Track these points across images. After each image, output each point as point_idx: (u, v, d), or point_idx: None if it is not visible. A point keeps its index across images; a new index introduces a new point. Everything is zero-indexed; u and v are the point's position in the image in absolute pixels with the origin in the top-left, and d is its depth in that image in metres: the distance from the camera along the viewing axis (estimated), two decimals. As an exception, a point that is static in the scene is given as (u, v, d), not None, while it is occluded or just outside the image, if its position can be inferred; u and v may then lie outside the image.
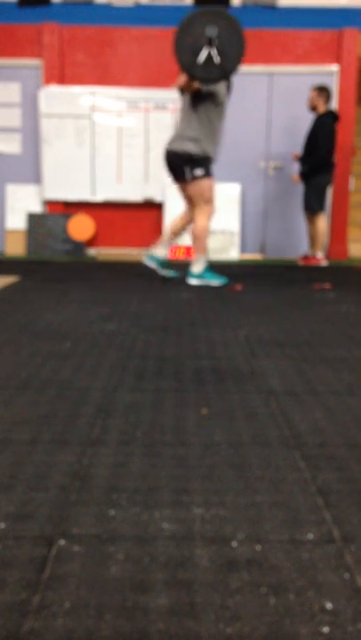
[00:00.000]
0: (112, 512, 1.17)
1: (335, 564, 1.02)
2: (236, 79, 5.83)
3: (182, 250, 6.24)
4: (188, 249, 6.16)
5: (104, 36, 6.25)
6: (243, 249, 6.58)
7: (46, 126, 6.24)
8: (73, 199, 6.42)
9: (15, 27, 6.23)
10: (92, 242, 6.55)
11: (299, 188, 6.22)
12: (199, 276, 4.31)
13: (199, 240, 4.27)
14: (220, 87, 4.04)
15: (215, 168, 6.50)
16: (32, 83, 6.36)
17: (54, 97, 6.19)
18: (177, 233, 4.45)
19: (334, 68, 6.25)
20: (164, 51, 6.19)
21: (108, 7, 6.19)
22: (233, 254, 6.35)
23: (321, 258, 5.85)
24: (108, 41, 6.26)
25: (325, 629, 0.86)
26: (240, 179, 6.45)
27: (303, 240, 6.46)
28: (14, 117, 6.44)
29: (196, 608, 0.90)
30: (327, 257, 6.47)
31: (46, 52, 6.19)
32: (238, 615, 0.89)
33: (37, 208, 6.49)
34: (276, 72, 6.31)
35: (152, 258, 4.43)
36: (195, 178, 4.12)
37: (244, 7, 6.17)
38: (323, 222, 5.73)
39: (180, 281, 4.41)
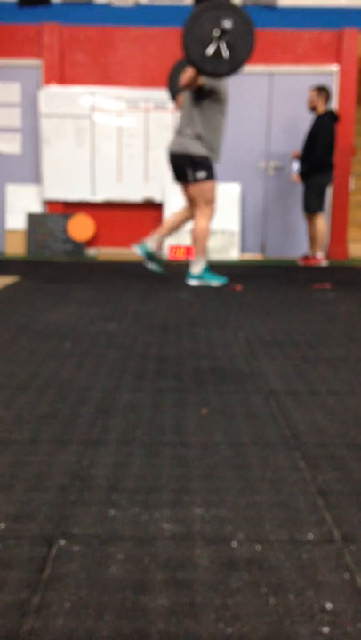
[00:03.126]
0: (112, 512, 1.17)
1: (335, 564, 1.02)
2: (236, 79, 5.83)
3: (182, 250, 6.24)
4: (188, 249, 6.17)
5: (104, 36, 6.24)
6: (243, 249, 6.57)
7: (46, 126, 6.24)
8: (73, 199, 6.41)
9: (15, 27, 6.23)
10: (92, 242, 6.55)
11: (299, 188, 6.22)
12: (198, 277, 4.31)
13: (199, 241, 4.27)
14: (223, 84, 4.05)
15: (215, 168, 6.53)
16: (32, 83, 6.36)
17: (54, 97, 6.18)
18: (173, 229, 4.45)
19: (334, 68, 6.25)
20: (164, 51, 6.20)
21: (108, 7, 6.20)
22: (233, 254, 6.35)
23: (321, 258, 5.85)
24: (108, 41, 6.26)
25: (325, 629, 0.86)
26: (240, 179, 6.45)
27: (303, 240, 6.46)
28: (14, 117, 6.44)
29: (196, 608, 0.90)
30: (327, 257, 6.46)
31: (46, 52, 6.19)
32: (238, 615, 0.89)
33: (37, 208, 6.49)
34: (276, 72, 6.31)
35: (141, 247, 4.44)
36: (197, 180, 4.14)
37: (243, 7, 6.17)
38: (322, 222, 5.73)
39: (180, 281, 4.41)
